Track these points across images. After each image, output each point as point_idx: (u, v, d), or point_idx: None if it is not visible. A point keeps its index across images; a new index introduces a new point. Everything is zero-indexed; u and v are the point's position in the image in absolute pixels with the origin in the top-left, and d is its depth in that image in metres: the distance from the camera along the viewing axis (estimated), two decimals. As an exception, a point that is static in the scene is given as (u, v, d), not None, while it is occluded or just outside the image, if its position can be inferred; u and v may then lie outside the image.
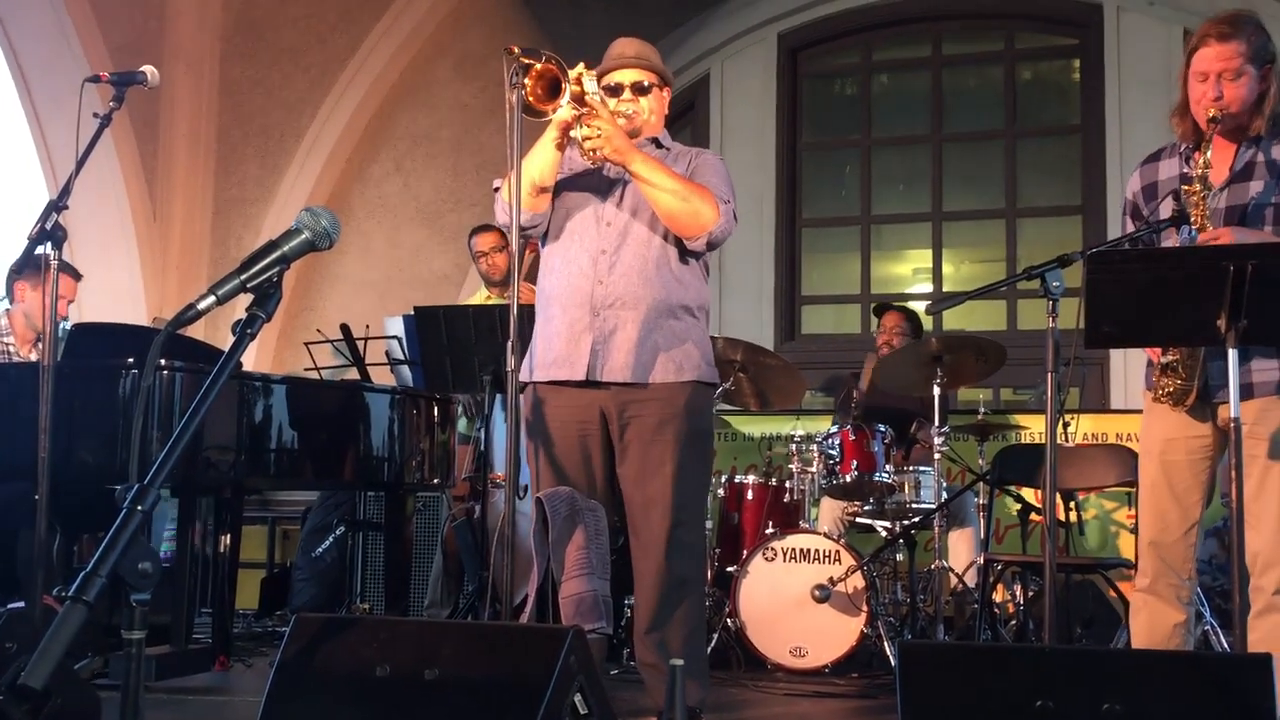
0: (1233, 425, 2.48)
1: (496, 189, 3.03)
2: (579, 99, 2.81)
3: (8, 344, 4.58)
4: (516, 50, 2.72)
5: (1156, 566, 2.82)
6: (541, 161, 2.92)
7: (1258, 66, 2.68)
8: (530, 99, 2.76)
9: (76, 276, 4.65)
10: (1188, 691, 1.97)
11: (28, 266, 4.43)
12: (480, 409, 4.87)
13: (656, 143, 3.11)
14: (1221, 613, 4.17)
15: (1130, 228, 2.93)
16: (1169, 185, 2.85)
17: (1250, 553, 2.62)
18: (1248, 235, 2.65)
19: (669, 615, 2.93)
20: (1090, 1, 7.59)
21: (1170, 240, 2.79)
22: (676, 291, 2.98)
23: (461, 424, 4.91)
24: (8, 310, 4.67)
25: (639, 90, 3.08)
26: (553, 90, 2.78)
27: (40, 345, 4.57)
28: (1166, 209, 2.77)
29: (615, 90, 3.06)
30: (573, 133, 2.86)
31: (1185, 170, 2.82)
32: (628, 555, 3.19)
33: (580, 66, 2.84)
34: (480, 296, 5.36)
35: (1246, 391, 2.67)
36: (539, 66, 2.75)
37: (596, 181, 3.06)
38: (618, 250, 2.97)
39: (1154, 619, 2.82)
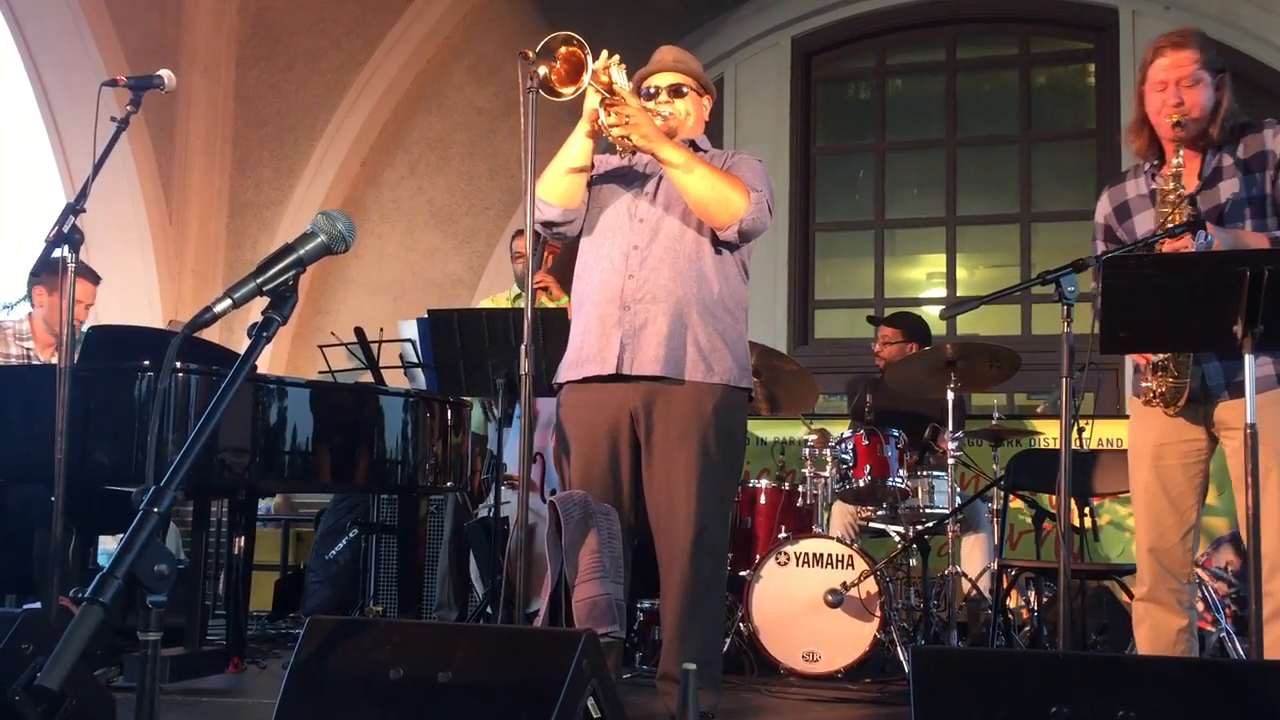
0: (1247, 431, 2.48)
1: None
2: (607, 88, 2.82)
3: (28, 348, 4.61)
4: (531, 54, 2.72)
5: (1155, 573, 2.83)
6: (575, 151, 2.94)
7: (1212, 74, 2.78)
8: (553, 78, 2.76)
9: (95, 280, 4.66)
10: (1204, 699, 1.96)
11: (45, 270, 4.45)
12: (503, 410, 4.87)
13: (694, 146, 3.11)
14: (1237, 620, 4.15)
15: (1103, 250, 2.96)
16: (1140, 204, 2.91)
17: (1261, 554, 2.61)
18: (1225, 234, 2.68)
19: (691, 622, 2.93)
20: (1106, 5, 7.57)
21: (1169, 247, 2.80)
22: (709, 288, 2.97)
23: (476, 419, 4.91)
24: (29, 314, 4.71)
25: (675, 93, 3.10)
26: (576, 72, 2.78)
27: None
28: (1183, 214, 2.77)
29: (654, 94, 3.08)
30: (600, 120, 2.87)
31: (1154, 186, 2.88)
32: (641, 559, 3.18)
33: (605, 56, 2.83)
34: (510, 295, 5.38)
35: (1242, 389, 2.67)
36: (564, 50, 2.75)
37: (630, 178, 3.07)
38: (649, 245, 2.97)
39: (1156, 627, 2.83)
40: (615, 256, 2.98)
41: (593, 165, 3.04)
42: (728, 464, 3.03)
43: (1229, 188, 2.78)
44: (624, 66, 2.88)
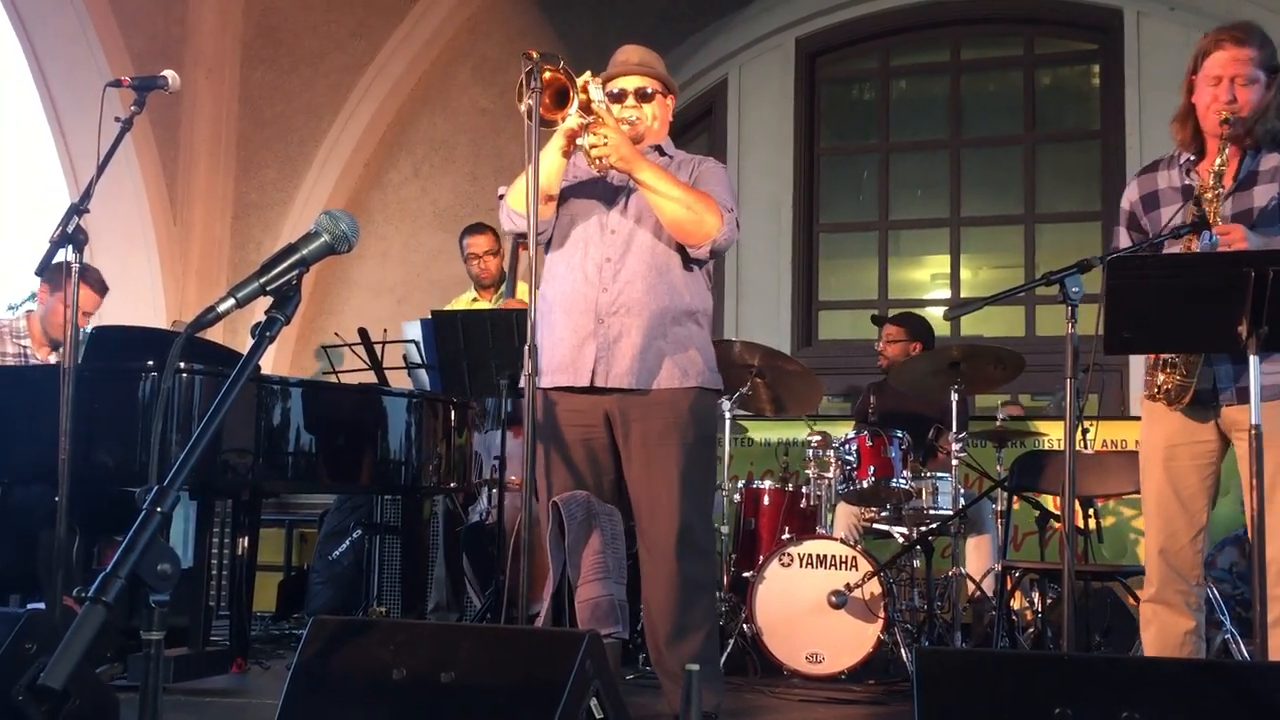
0: (1252, 433, 2.47)
1: (501, 196, 3.04)
2: (585, 107, 2.82)
3: (24, 345, 4.60)
4: (535, 55, 2.72)
5: (1164, 574, 2.82)
6: (547, 169, 2.91)
7: (1266, 74, 2.75)
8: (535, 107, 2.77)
9: (101, 291, 4.62)
10: (1208, 701, 1.96)
11: (50, 269, 4.45)
12: (498, 413, 4.87)
13: (660, 150, 3.12)
14: (1242, 621, 4.14)
15: (1125, 239, 2.94)
16: (1170, 196, 2.87)
17: (1268, 560, 2.61)
18: (1257, 237, 2.66)
19: (684, 620, 2.93)
20: (1110, 6, 7.56)
21: (1179, 247, 2.79)
22: (680, 298, 3.00)
23: None
24: (28, 313, 4.70)
25: (642, 97, 3.09)
26: (560, 99, 2.80)
27: (59, 350, 4.59)
28: (1186, 215, 2.76)
29: (619, 97, 3.07)
30: (579, 141, 2.87)
31: (1187, 181, 2.85)
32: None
33: (587, 74, 2.85)
34: (467, 299, 5.34)
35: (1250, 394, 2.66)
36: (548, 75, 2.76)
37: (601, 189, 3.07)
38: (622, 258, 2.99)
39: (1164, 628, 2.82)
40: (588, 268, 2.99)
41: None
42: (706, 463, 3.08)
43: (1264, 193, 2.75)
44: (600, 83, 2.89)
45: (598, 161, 2.88)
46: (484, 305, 5.22)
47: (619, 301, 2.96)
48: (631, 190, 3.02)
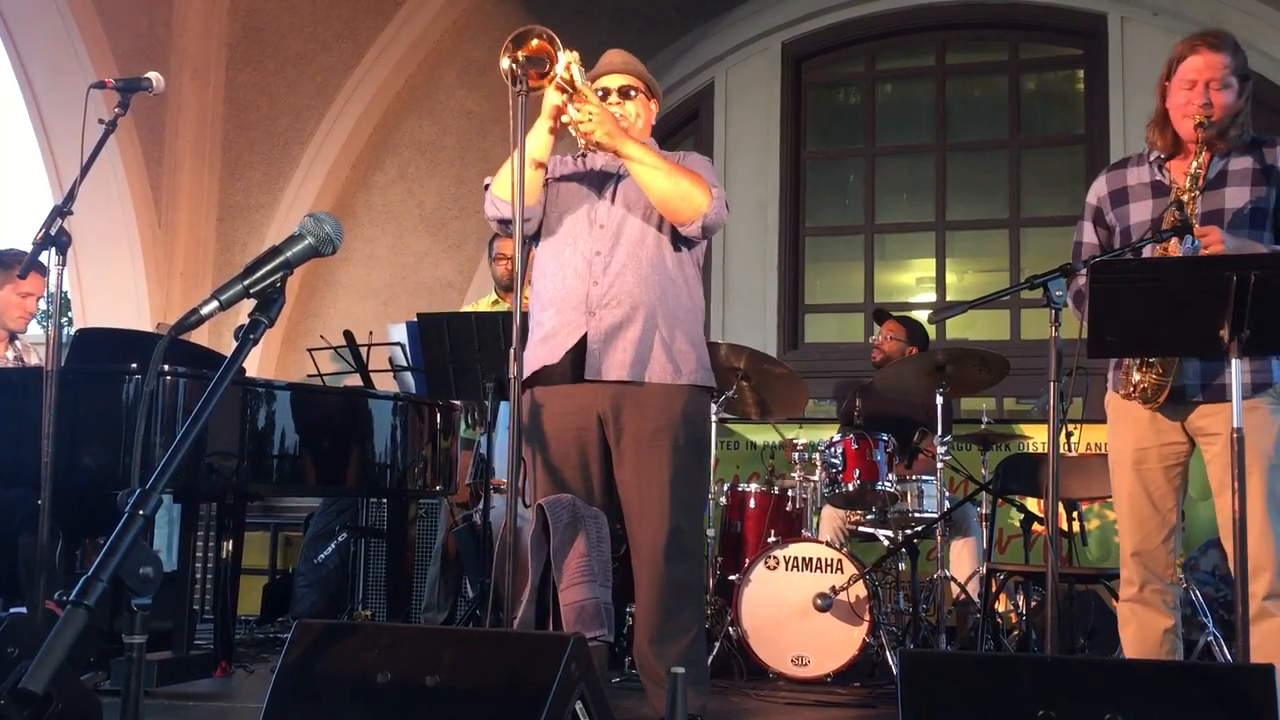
0: (1233, 435, 2.49)
1: (487, 185, 3.02)
2: (569, 85, 2.82)
3: None
4: (512, 48, 2.70)
5: (1142, 575, 2.86)
6: (534, 145, 2.89)
7: (1239, 80, 2.80)
8: (519, 72, 2.74)
9: (44, 272, 4.56)
10: (1190, 702, 1.97)
11: None
12: (483, 415, 4.86)
13: None
14: (1225, 624, 4.16)
15: (1090, 234, 2.97)
16: (1140, 192, 2.90)
17: (1249, 556, 2.63)
18: (1232, 238, 2.70)
19: (669, 622, 2.92)
20: (1095, 12, 7.60)
21: (1157, 250, 2.81)
22: (671, 290, 2.99)
23: (463, 429, 4.90)
24: None
25: (624, 94, 3.10)
26: (542, 65, 2.77)
27: (15, 343, 4.54)
28: (1169, 218, 2.78)
29: (603, 96, 3.07)
30: (564, 117, 2.86)
31: (1157, 178, 2.88)
32: (630, 562, 3.18)
33: (569, 54, 2.82)
34: (488, 301, 5.34)
35: (1221, 393, 2.71)
36: (534, 44, 2.74)
37: (588, 182, 3.06)
38: (612, 250, 2.97)
39: (1143, 627, 2.85)
40: (578, 263, 2.98)
41: (548, 168, 3.03)
42: (699, 464, 3.06)
43: (1234, 195, 2.79)
44: (581, 65, 2.88)
45: (584, 137, 2.87)
46: (505, 308, 5.20)
47: (610, 294, 2.94)
48: (619, 182, 3.01)
